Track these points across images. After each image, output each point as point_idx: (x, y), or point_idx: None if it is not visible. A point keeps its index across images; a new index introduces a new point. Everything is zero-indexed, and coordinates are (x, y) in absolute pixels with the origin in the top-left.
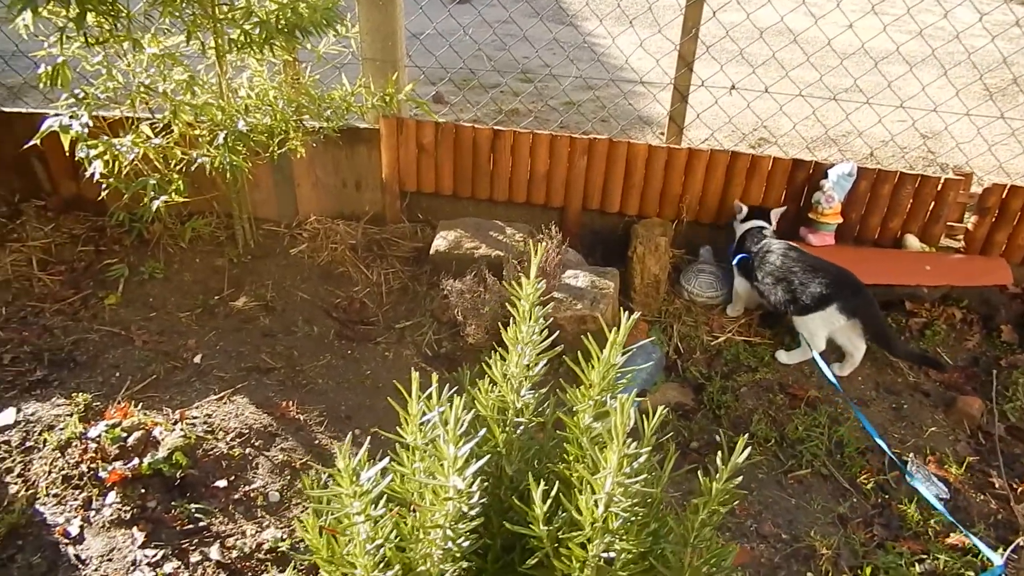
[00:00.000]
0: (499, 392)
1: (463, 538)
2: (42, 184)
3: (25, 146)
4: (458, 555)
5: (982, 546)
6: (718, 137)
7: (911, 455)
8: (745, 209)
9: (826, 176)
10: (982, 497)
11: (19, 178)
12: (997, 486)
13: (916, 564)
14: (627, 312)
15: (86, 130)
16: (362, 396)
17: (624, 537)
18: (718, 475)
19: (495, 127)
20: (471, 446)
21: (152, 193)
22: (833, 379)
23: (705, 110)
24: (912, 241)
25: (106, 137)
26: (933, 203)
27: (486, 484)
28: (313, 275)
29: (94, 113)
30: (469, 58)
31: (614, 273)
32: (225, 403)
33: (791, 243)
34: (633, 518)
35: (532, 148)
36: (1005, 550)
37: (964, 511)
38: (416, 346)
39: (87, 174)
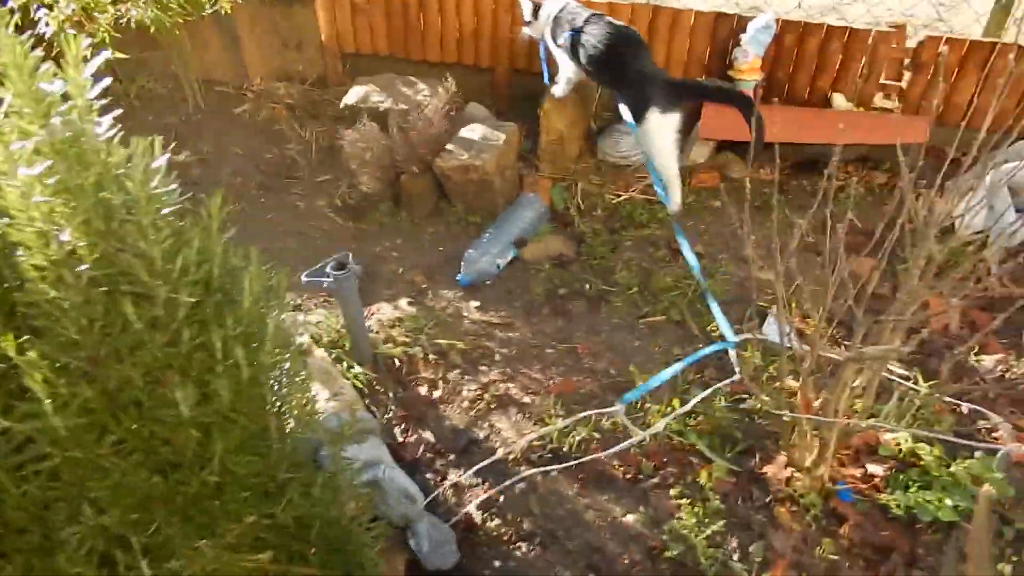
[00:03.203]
0: None
1: None
2: None
3: None
4: None
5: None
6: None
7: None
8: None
9: (744, 30)
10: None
11: None
12: None
13: (735, 403)
14: (534, 168)
15: None
16: (264, 239)
17: None
18: None
19: None
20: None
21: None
22: (662, 194)
23: None
24: (839, 100)
25: None
26: (865, 59)
27: None
28: (251, 133)
29: None
30: None
31: (511, 127)
32: None
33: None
34: None
35: (458, 5)
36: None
37: None
38: (329, 197)
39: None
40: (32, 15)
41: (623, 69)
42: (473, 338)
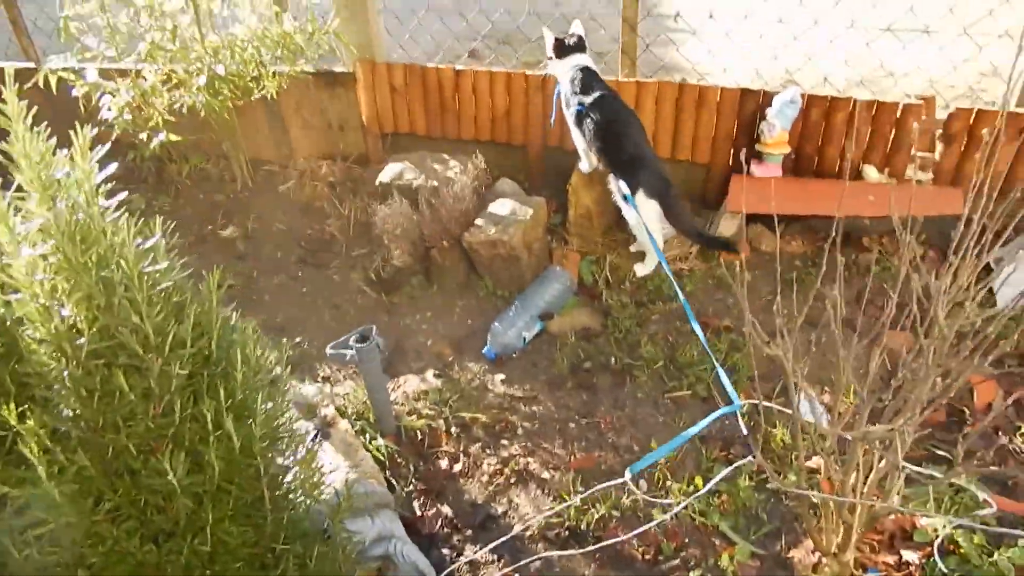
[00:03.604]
0: None
1: None
2: None
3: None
4: None
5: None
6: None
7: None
8: (552, 37)
9: (770, 105)
10: None
11: None
12: None
13: (762, 483)
14: (563, 242)
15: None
16: (300, 311)
17: None
18: None
19: (455, 67)
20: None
21: (148, 133)
22: (665, 264)
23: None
24: (870, 172)
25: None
26: (893, 131)
27: None
28: (294, 209)
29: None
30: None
31: (539, 202)
32: None
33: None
34: None
35: (491, 86)
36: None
37: None
38: (364, 271)
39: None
40: (95, 101)
41: (617, 148)
42: (496, 411)
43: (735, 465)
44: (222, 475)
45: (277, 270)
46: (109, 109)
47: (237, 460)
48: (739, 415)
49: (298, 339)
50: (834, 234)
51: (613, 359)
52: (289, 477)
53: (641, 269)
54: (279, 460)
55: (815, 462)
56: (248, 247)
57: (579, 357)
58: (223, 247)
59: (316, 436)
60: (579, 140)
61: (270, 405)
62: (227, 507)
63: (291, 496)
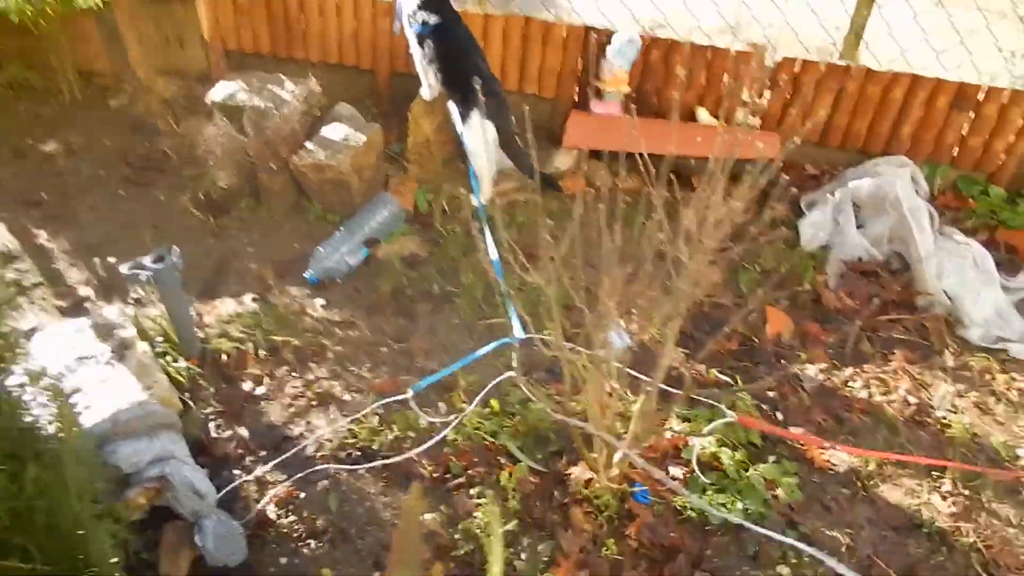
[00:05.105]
0: None
1: None
2: None
3: None
4: None
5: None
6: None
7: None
8: None
9: (610, 44)
10: None
11: None
12: None
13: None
14: (403, 170)
15: None
16: (119, 231)
17: None
18: None
19: None
20: None
21: None
22: (476, 187)
23: None
24: (702, 114)
25: None
26: (727, 76)
27: None
28: (125, 126)
29: None
30: None
31: (374, 128)
32: None
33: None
34: None
35: (338, 7)
36: None
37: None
38: (194, 192)
39: None
40: None
41: (457, 70)
42: (311, 335)
43: (494, 382)
44: None
45: (98, 188)
46: None
47: None
48: (515, 346)
49: (111, 259)
50: (655, 171)
51: (436, 286)
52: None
53: (476, 198)
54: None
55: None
56: (69, 163)
57: (402, 284)
58: (42, 162)
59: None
60: (419, 60)
61: None
62: None
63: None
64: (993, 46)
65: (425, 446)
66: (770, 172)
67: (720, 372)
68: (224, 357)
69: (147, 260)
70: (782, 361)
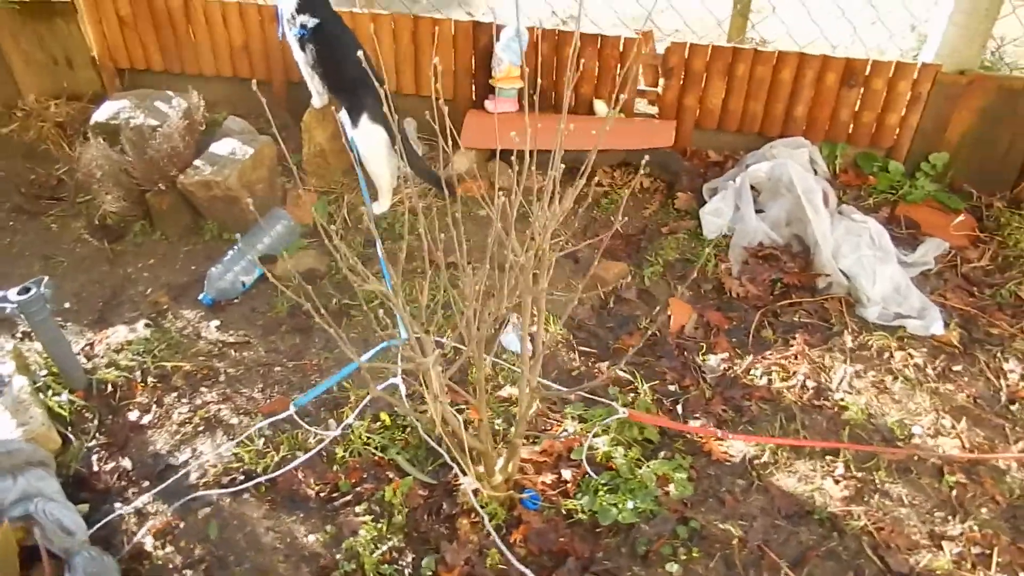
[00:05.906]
0: None
1: None
2: None
3: None
4: None
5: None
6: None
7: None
8: None
9: (498, 39)
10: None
11: None
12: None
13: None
14: (301, 182)
15: None
16: (4, 264)
17: None
18: None
19: None
20: None
21: None
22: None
23: None
24: (599, 106)
25: None
26: (619, 66)
27: None
28: (17, 153)
29: None
30: None
31: (265, 141)
32: None
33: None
34: None
35: (224, 17)
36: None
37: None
38: (88, 219)
39: None
40: None
41: (341, 74)
42: (204, 359)
43: (375, 392)
44: None
45: None
46: None
47: None
48: (395, 349)
49: None
50: (552, 170)
51: (334, 301)
52: None
53: (377, 207)
54: None
55: (507, 391)
56: None
57: (298, 301)
58: None
59: None
60: (303, 66)
61: None
62: None
63: None
64: (878, 18)
65: (299, 461)
66: (673, 161)
67: (621, 369)
68: (110, 388)
69: (12, 293)
70: (685, 353)
